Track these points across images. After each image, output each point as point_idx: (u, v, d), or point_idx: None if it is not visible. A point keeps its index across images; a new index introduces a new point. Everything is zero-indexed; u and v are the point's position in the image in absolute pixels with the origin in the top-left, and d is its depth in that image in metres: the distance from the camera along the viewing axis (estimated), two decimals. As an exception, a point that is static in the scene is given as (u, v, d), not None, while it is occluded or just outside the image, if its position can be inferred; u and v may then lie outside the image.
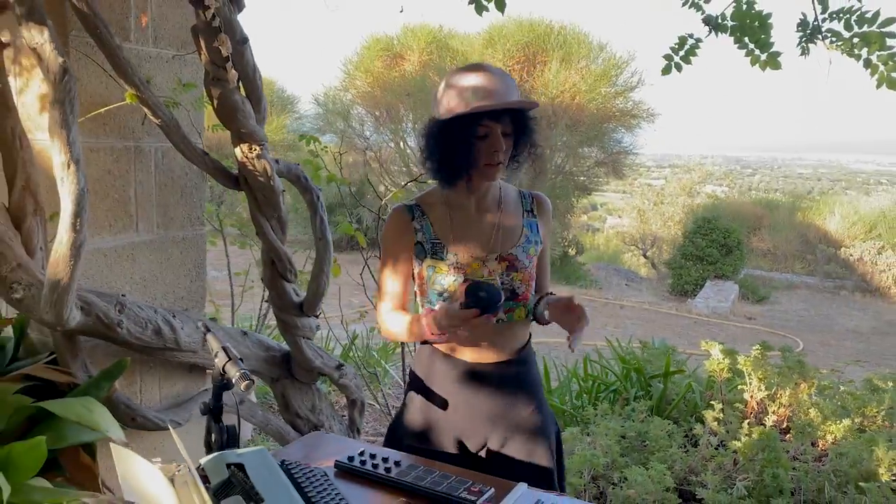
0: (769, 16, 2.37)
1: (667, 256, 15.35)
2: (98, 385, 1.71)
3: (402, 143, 14.69)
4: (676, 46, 2.49)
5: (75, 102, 1.54)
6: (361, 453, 1.44)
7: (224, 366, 1.27)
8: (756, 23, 2.37)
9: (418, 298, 1.71)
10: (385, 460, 1.42)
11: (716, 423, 2.92)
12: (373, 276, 2.90)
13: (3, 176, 1.73)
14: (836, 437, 2.88)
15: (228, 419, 1.32)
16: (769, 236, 15.55)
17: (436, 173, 1.62)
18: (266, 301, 3.31)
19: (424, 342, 1.70)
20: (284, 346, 2.31)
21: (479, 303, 1.45)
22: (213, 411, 1.30)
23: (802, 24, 2.43)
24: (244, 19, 1.93)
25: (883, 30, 2.25)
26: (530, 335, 1.74)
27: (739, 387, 3.26)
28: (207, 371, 2.23)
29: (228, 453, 1.24)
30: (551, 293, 1.71)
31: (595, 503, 2.69)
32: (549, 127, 13.02)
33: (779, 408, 3.09)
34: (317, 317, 2.28)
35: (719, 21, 2.45)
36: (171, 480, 1.11)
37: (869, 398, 3.18)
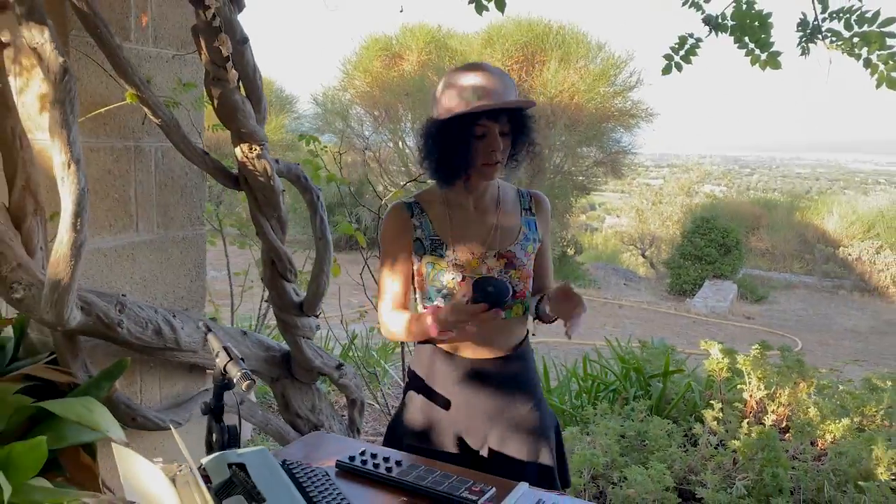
0: (769, 15, 2.37)
1: (665, 256, 15.37)
2: (98, 385, 1.70)
3: (400, 143, 14.68)
4: (676, 46, 2.49)
5: (75, 102, 1.54)
6: (362, 453, 1.45)
7: (225, 366, 1.27)
8: (756, 22, 2.38)
9: (417, 295, 1.71)
10: (386, 460, 1.42)
11: (715, 422, 2.92)
12: (372, 275, 2.90)
13: (3, 176, 1.73)
14: (835, 436, 2.89)
15: (229, 419, 1.32)
16: (767, 236, 15.58)
17: (434, 173, 1.62)
18: (266, 301, 3.31)
19: (425, 341, 1.70)
20: (284, 345, 2.31)
21: (488, 297, 1.46)
22: (214, 411, 1.30)
23: (802, 24, 2.43)
24: (244, 19, 1.93)
25: (883, 29, 2.25)
26: (528, 332, 1.74)
27: (739, 386, 3.26)
28: (208, 371, 2.23)
29: (230, 453, 1.24)
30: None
31: (595, 503, 2.69)
32: (548, 126, 13.02)
33: (778, 407, 3.09)
34: (317, 316, 2.28)
35: (719, 21, 2.45)
36: (173, 480, 1.11)
37: (868, 397, 3.18)
